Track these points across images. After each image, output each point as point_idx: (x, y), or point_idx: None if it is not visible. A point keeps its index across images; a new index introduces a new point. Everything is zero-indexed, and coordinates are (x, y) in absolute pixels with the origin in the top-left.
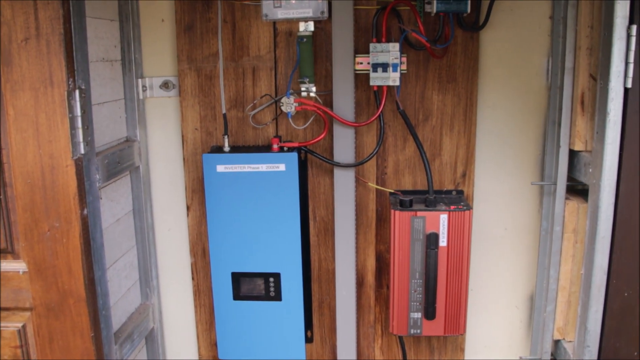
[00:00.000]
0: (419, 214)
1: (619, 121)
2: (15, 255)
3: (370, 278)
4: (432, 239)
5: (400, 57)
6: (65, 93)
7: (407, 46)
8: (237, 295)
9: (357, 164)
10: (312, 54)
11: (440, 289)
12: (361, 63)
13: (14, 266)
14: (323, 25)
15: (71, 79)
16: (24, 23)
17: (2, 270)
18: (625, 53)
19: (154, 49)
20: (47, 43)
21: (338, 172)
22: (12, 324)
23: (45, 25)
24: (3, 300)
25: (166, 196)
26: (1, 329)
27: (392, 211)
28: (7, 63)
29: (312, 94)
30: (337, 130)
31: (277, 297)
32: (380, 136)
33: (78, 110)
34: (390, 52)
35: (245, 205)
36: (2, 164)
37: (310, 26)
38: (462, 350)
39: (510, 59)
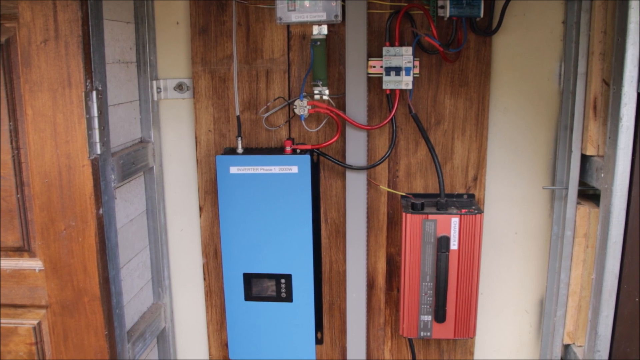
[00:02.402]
0: (431, 217)
1: (632, 126)
2: (32, 254)
3: (380, 280)
4: (443, 242)
5: (413, 61)
6: (83, 94)
7: (420, 50)
8: (249, 296)
9: (369, 167)
10: (325, 57)
11: (450, 292)
12: (374, 67)
13: (31, 264)
14: (336, 29)
15: (88, 80)
16: (44, 25)
17: (18, 268)
18: (638, 58)
19: (169, 51)
20: (65, 45)
21: (350, 175)
22: (28, 321)
23: (64, 28)
24: (19, 298)
25: (179, 197)
26: (17, 326)
27: (404, 214)
28: (26, 64)
29: (325, 97)
30: (350, 133)
31: (288, 298)
32: (393, 139)
33: (95, 111)
34: (403, 55)
35: (257, 206)
36: (20, 164)
37: (324, 29)
38: (472, 353)
39: (522, 64)
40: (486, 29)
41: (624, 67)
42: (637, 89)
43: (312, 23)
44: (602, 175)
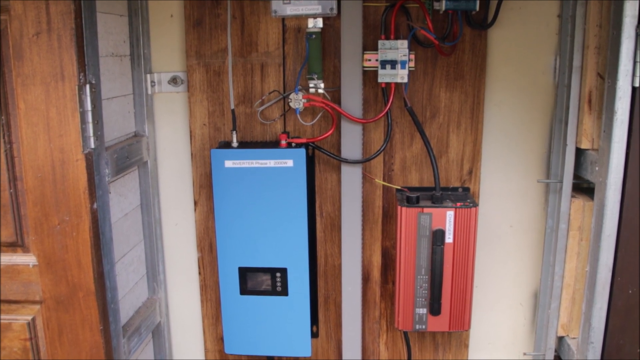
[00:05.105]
0: (426, 210)
1: (626, 120)
2: (26, 249)
3: (376, 274)
4: (438, 236)
5: (409, 54)
6: (76, 87)
7: (416, 43)
8: (244, 290)
9: (365, 161)
10: (320, 51)
11: (445, 285)
12: (369, 60)
13: (24, 259)
14: (332, 22)
15: (82, 74)
16: (36, 17)
17: (12, 263)
18: (633, 52)
19: (163, 45)
20: (58, 38)
21: (345, 169)
22: (22, 317)
23: (56, 20)
24: (13, 293)
25: (174, 191)
26: (11, 321)
27: (399, 207)
28: (18, 57)
29: (320, 91)
30: (345, 126)
31: (284, 292)
32: (388, 133)
33: (88, 105)
34: (399, 49)
35: (252, 200)
36: (12, 158)
37: (319, 23)
38: (467, 346)
39: (518, 57)
40: (482, 23)
41: (619, 61)
42: (632, 82)
43: (307, 16)
44: (597, 168)
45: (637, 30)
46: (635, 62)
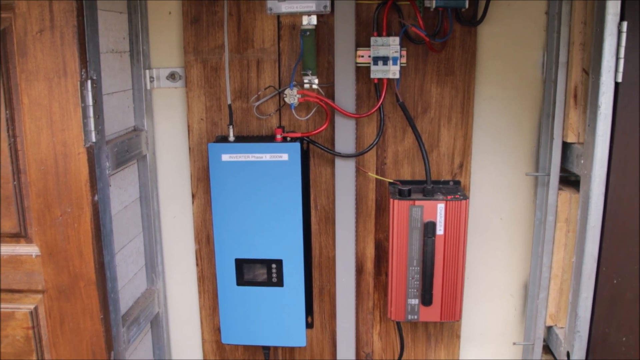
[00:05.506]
0: (417, 203)
1: (610, 114)
2: (28, 239)
3: (369, 265)
4: (429, 228)
5: (400, 50)
6: (78, 83)
7: (407, 40)
8: (241, 281)
9: (358, 155)
10: (314, 47)
11: (437, 276)
12: (362, 56)
13: (27, 250)
14: (326, 19)
15: (84, 70)
16: (39, 15)
17: (15, 253)
18: (616, 48)
19: (161, 41)
20: (61, 35)
21: (339, 162)
22: (25, 306)
23: (59, 18)
24: (16, 283)
25: (172, 184)
26: (14, 310)
27: (391, 200)
28: (22, 54)
29: (314, 86)
30: (339, 121)
31: (279, 283)
32: (380, 127)
33: (90, 100)
34: (391, 45)
35: (249, 193)
36: (16, 152)
37: (313, 20)
38: (458, 336)
39: (506, 53)
40: (471, 20)
41: (602, 57)
42: (615, 78)
43: (301, 13)
44: (582, 161)
45: (620, 28)
46: (617, 58)
